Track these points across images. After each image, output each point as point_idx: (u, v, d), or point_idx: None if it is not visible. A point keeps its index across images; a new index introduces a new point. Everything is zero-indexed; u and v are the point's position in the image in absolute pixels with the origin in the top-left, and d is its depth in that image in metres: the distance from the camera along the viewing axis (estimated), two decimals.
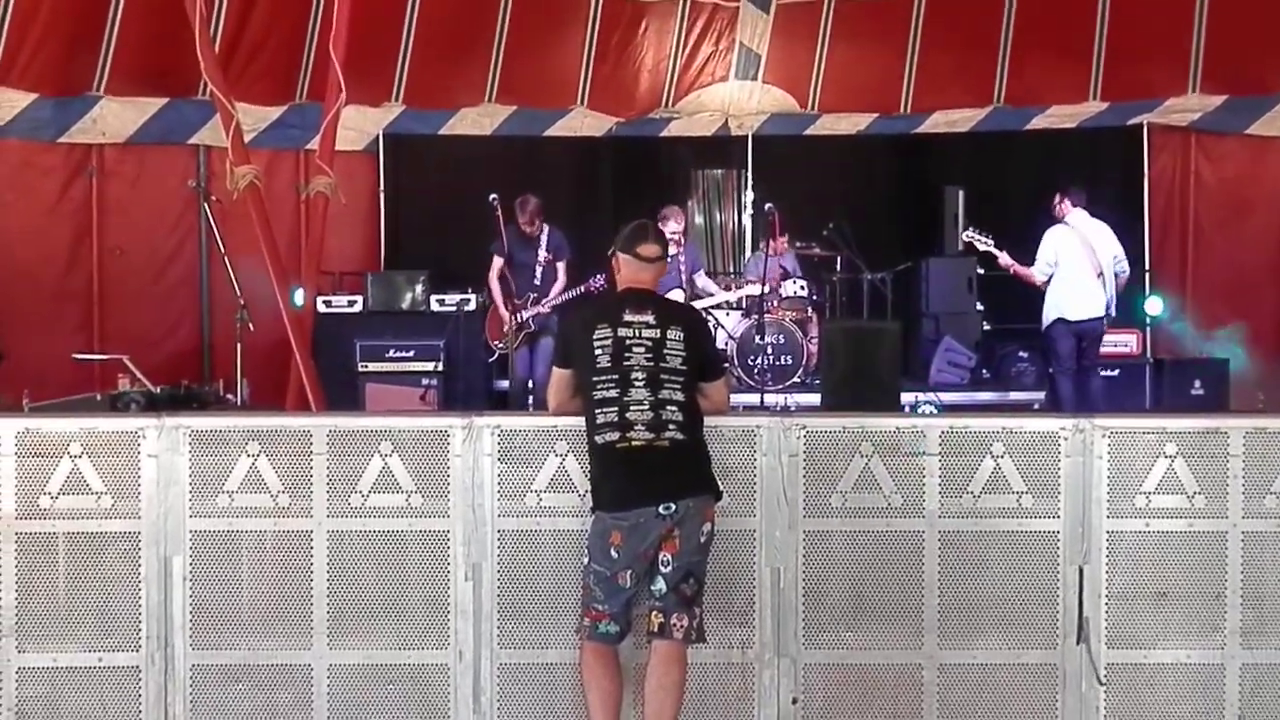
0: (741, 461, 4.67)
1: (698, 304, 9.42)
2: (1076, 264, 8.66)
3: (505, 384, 9.31)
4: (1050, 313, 8.71)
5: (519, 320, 9.01)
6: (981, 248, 9.04)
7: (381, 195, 11.08)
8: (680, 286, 9.49)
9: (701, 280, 9.84)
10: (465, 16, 11.13)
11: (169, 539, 4.62)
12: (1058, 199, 8.83)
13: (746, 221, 11.64)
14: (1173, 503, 4.69)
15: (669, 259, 9.28)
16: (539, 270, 9.17)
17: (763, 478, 4.67)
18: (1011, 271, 8.93)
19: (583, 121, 11.48)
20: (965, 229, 9.18)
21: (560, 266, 9.23)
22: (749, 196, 11.55)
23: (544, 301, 9.13)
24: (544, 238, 9.18)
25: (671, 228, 9.44)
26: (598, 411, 4.43)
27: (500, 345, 9.32)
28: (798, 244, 10.33)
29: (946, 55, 11.53)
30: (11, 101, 9.82)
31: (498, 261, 9.17)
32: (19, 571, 4.61)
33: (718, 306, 9.72)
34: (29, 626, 4.61)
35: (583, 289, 8.93)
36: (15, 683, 4.60)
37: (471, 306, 9.58)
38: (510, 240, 9.08)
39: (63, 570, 4.63)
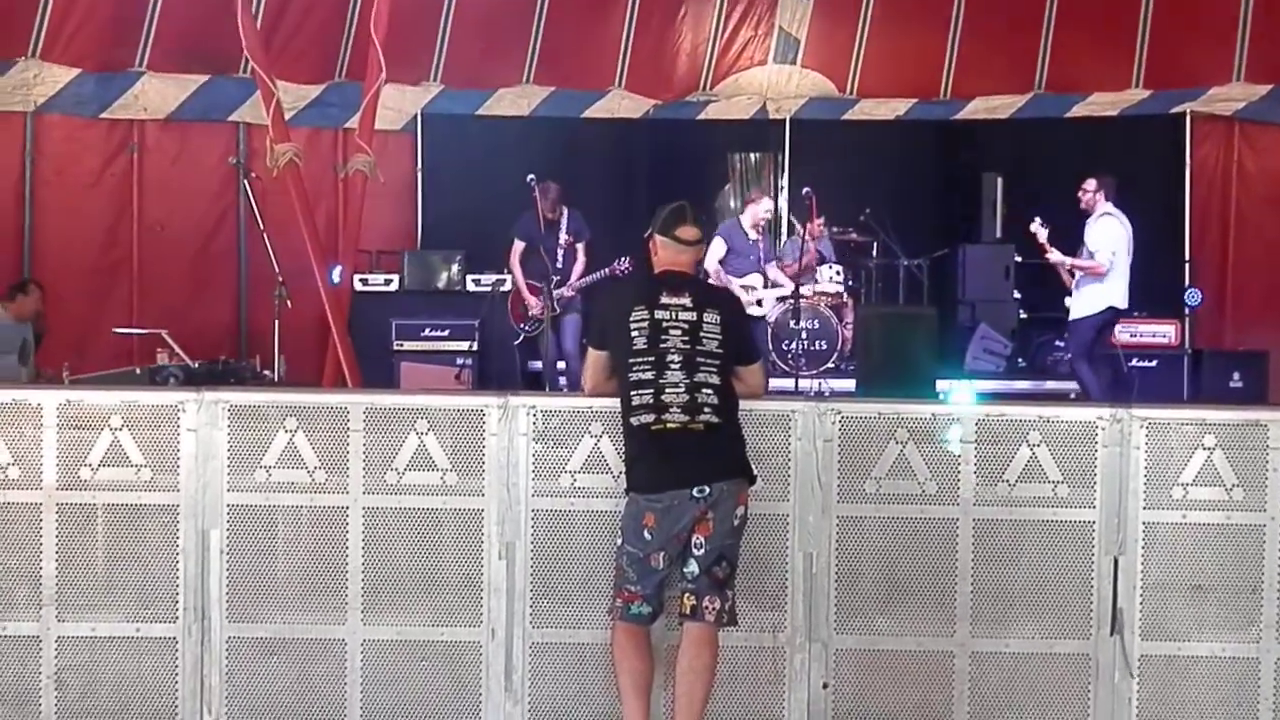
0: (776, 446, 4.67)
1: (768, 293, 9.44)
2: (1125, 254, 8.60)
3: (539, 365, 9.33)
4: (1100, 301, 8.57)
5: (546, 303, 9.01)
6: (1042, 238, 8.87)
7: (419, 175, 11.12)
8: (757, 270, 9.48)
9: (773, 272, 9.67)
10: None
11: (207, 512, 4.67)
12: (1093, 188, 8.70)
13: (783, 205, 11.60)
14: (1210, 495, 4.65)
15: (755, 241, 9.38)
16: (561, 253, 9.18)
17: (797, 462, 4.66)
18: (1068, 266, 8.73)
19: (620, 103, 11.47)
20: (1033, 218, 8.96)
21: (580, 247, 9.23)
22: (786, 180, 11.51)
23: (568, 284, 9.13)
24: (564, 220, 9.19)
25: (765, 206, 9.70)
26: (633, 393, 4.43)
27: (524, 327, 9.33)
28: (834, 228, 10.28)
29: (987, 40, 11.45)
30: (55, 77, 9.92)
31: (519, 245, 9.19)
32: (59, 542, 4.67)
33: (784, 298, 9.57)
34: (69, 596, 4.67)
35: (608, 271, 8.92)
36: (55, 651, 4.67)
37: (507, 287, 9.60)
38: (532, 223, 9.09)
39: (102, 541, 4.69)
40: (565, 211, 9.22)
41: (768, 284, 9.61)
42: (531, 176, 8.84)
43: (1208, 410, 4.82)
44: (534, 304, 9.12)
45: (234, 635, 4.69)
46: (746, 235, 9.60)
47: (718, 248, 9.46)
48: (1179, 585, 4.66)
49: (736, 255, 9.54)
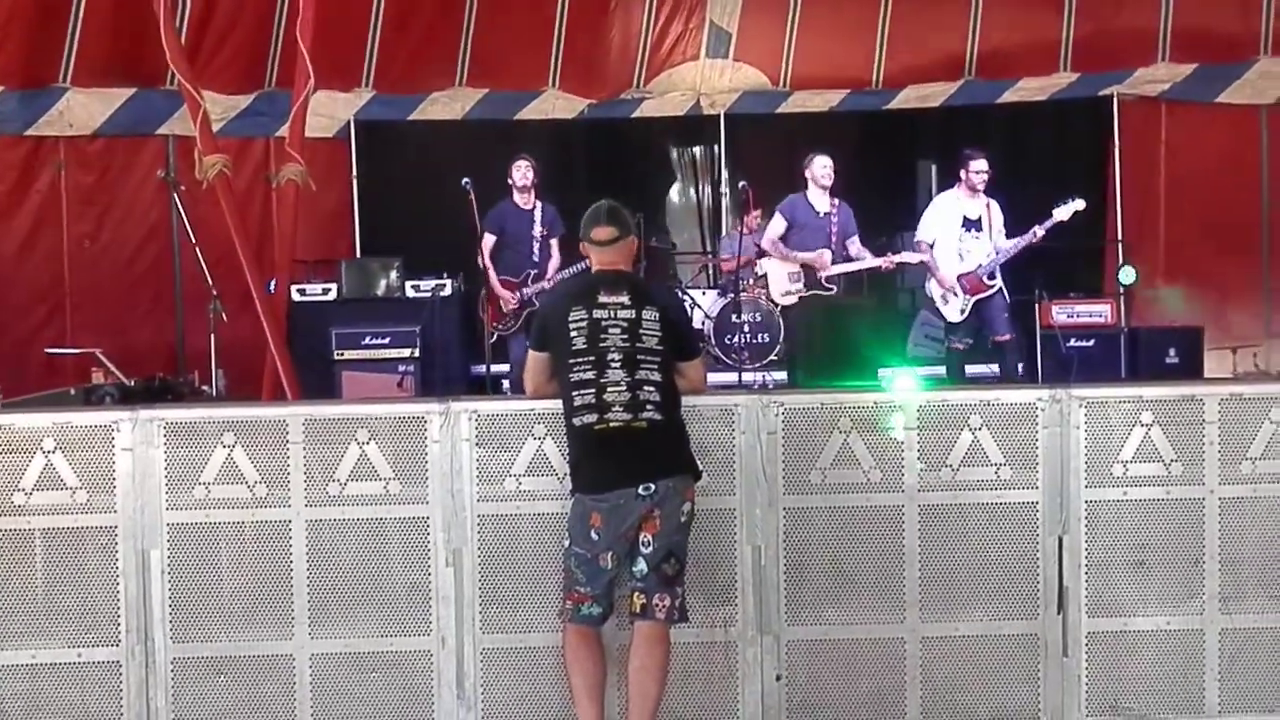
0: (720, 440, 4.67)
1: (839, 269, 8.93)
2: None
3: (482, 369, 9.23)
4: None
5: (521, 298, 8.92)
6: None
7: (354, 181, 11.02)
8: (829, 246, 8.93)
9: (855, 248, 9.08)
10: None
11: (146, 532, 4.59)
12: (988, 166, 8.82)
13: (721, 200, 11.62)
14: (1150, 471, 4.72)
15: (828, 214, 8.81)
16: (536, 246, 9.09)
17: (741, 456, 4.67)
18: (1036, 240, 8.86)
19: (554, 104, 11.42)
20: (1055, 205, 8.95)
21: (554, 243, 9.13)
22: (723, 174, 11.54)
23: (545, 278, 9.03)
24: (538, 213, 9.11)
25: (821, 163, 8.88)
26: (575, 394, 4.42)
27: (499, 327, 9.09)
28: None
29: (918, 29, 11.50)
30: None
31: (489, 239, 8.92)
32: None
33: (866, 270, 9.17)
34: (7, 624, 4.58)
35: (583, 265, 8.79)
36: None
37: (447, 292, 9.50)
38: (503, 215, 8.98)
39: (40, 567, 4.60)
40: (538, 204, 9.14)
41: (842, 259, 8.95)
42: (467, 180, 8.75)
43: (1144, 387, 4.88)
44: (509, 299, 8.99)
45: (179, 656, 4.62)
46: (813, 207, 8.96)
47: (776, 225, 8.96)
48: (1122, 561, 4.72)
49: (802, 230, 8.89)
